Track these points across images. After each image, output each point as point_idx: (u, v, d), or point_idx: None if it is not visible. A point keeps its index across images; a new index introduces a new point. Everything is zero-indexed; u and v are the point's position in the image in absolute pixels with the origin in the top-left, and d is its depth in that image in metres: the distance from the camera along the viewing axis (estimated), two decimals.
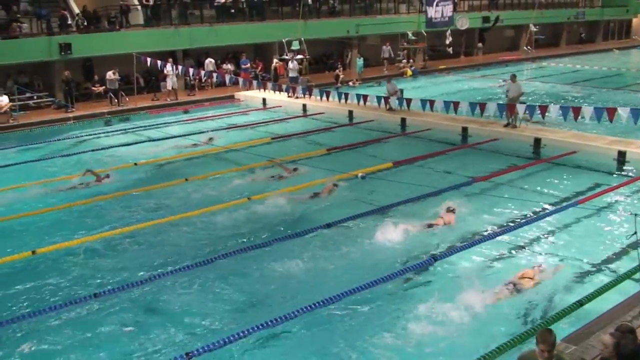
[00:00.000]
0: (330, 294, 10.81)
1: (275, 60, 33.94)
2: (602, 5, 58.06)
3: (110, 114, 27.93)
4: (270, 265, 12.42)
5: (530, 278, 11.22)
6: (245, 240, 13.74)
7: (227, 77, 28.66)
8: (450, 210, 14.57)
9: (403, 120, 25.07)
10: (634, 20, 61.14)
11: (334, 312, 10.53)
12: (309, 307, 10.47)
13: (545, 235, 13.88)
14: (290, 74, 31.86)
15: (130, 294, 11.33)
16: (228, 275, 12.09)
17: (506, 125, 22.57)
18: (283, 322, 10.07)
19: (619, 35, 60.78)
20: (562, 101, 30.01)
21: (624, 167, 19.13)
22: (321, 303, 10.59)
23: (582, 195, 16.36)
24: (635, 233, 9.41)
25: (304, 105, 28.51)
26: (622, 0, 58.69)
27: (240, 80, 28.29)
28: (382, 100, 24.87)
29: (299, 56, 34.66)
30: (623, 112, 18.50)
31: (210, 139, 22.89)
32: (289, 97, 29.72)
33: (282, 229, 14.30)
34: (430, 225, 14.07)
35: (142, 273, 12.13)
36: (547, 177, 18.12)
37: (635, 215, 9.40)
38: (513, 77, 23.16)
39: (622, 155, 19.45)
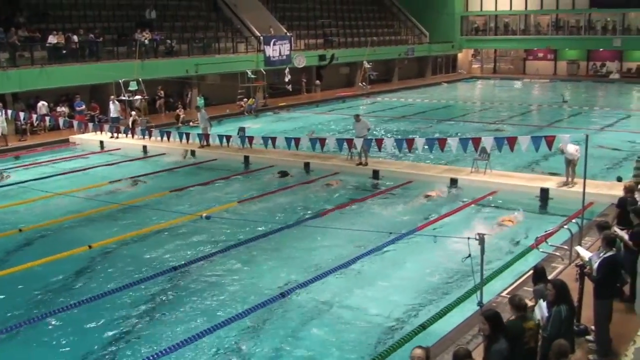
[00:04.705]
0: None
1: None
2: (429, 41, 61.49)
3: None
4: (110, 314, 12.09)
5: (510, 221, 16.69)
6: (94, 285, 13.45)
7: (61, 120, 27.49)
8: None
9: (246, 158, 25.12)
10: (459, 55, 65.28)
11: None
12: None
13: (387, 263, 14.33)
14: (112, 115, 30.87)
15: None
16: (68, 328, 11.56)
17: (359, 164, 22.97)
18: None
19: (447, 69, 64.55)
20: (397, 134, 31.33)
21: (456, 194, 20.23)
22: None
23: (420, 222, 17.09)
24: (470, 256, 9.93)
25: (145, 147, 27.82)
26: (448, 37, 62.61)
27: (75, 123, 27.21)
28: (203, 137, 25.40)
29: (137, 97, 33.95)
30: (453, 142, 19.57)
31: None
32: (111, 137, 28.89)
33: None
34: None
35: None
36: (385, 207, 18.76)
37: (469, 238, 9.94)
38: (357, 117, 23.72)
39: (454, 182, 20.63)
